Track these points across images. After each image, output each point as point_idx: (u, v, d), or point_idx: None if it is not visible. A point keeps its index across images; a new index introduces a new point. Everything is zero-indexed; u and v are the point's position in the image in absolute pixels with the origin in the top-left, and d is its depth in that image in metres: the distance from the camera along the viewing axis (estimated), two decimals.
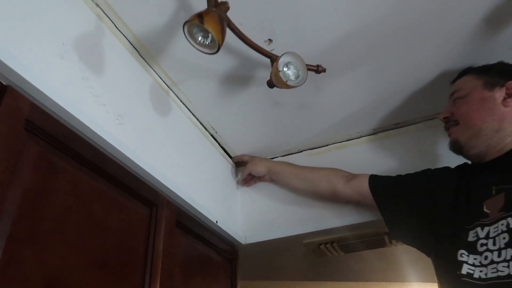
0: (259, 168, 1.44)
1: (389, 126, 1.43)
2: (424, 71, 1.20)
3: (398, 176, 1.20)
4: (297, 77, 0.98)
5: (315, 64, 1.06)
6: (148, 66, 1.11)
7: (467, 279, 0.84)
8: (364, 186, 1.21)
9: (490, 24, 1.03)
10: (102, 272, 0.79)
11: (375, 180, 1.21)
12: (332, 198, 1.33)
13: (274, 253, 1.62)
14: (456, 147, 1.04)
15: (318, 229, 1.37)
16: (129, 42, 1.04)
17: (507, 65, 1.04)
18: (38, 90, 0.71)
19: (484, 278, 0.82)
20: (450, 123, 1.07)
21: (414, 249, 1.12)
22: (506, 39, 1.08)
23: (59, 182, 0.73)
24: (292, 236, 1.41)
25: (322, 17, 1.01)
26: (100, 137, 0.84)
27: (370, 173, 1.25)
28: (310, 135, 1.46)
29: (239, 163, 1.55)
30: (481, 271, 0.83)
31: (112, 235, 0.84)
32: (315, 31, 1.04)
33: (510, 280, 0.77)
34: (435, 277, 1.01)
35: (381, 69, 1.18)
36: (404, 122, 1.41)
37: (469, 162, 1.07)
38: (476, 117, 0.99)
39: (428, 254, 1.06)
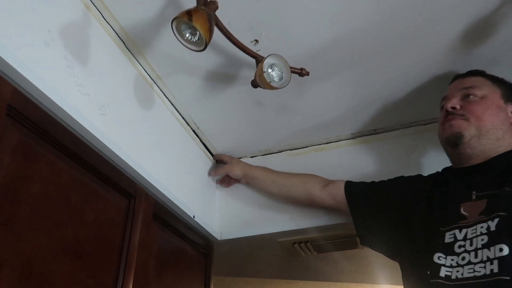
0: (235, 171, 1.46)
1: (368, 132, 1.48)
2: (403, 80, 1.24)
3: (373, 183, 1.23)
4: (280, 78, 1.01)
5: (299, 67, 1.09)
6: (133, 58, 1.11)
7: (443, 281, 0.85)
8: (340, 192, 1.23)
9: (469, 37, 1.08)
10: (77, 261, 0.79)
11: (350, 187, 1.24)
12: (309, 204, 1.35)
13: (249, 251, 1.64)
14: (456, 141, 1.01)
15: (293, 229, 1.40)
16: (116, 33, 1.04)
17: None
18: (21, 76, 0.71)
19: (461, 278, 0.83)
20: (455, 115, 1.03)
21: None
22: (485, 51, 1.13)
23: (38, 169, 0.73)
24: (267, 234, 1.43)
25: (309, 23, 1.03)
26: (82, 126, 0.84)
27: (347, 178, 1.28)
28: (290, 136, 1.49)
29: (220, 161, 1.57)
30: (457, 271, 0.84)
31: (88, 225, 0.84)
32: (301, 35, 1.07)
33: (486, 280, 0.79)
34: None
35: (362, 76, 1.21)
36: (382, 128, 1.46)
37: (451, 163, 1.10)
38: (489, 120, 1.00)
39: (397, 260, 1.09)
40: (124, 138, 1.00)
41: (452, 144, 1.03)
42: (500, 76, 1.08)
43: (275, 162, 1.53)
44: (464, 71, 1.14)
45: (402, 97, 1.31)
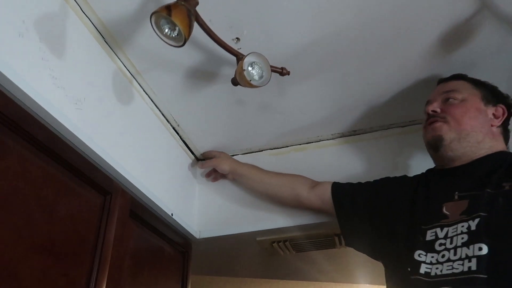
0: (223, 166, 1.45)
1: (348, 133, 1.49)
2: (383, 83, 1.26)
3: (359, 184, 1.23)
4: (260, 77, 1.00)
5: (280, 67, 1.09)
6: (112, 53, 1.09)
7: (423, 278, 0.87)
8: (326, 193, 1.23)
9: (449, 41, 1.10)
10: (48, 258, 0.77)
11: (337, 188, 1.23)
12: (296, 205, 1.34)
13: (228, 249, 1.64)
14: (437, 143, 1.04)
15: (272, 228, 1.41)
16: (94, 26, 1.02)
17: (499, 90, 1.09)
18: None
19: (439, 275, 0.85)
20: (436, 118, 1.06)
21: None
22: (464, 55, 1.14)
23: (8, 163, 0.71)
24: (246, 233, 1.43)
25: (290, 22, 1.04)
26: (56, 120, 0.82)
27: (326, 178, 1.28)
28: (271, 135, 1.50)
29: (208, 158, 1.54)
30: (437, 268, 0.86)
31: (61, 221, 0.82)
32: (283, 35, 1.07)
33: (463, 276, 0.81)
34: (384, 280, 1.05)
35: (343, 77, 1.22)
36: (362, 129, 1.47)
37: (434, 164, 1.12)
38: (468, 123, 1.02)
39: (380, 260, 1.10)
40: (101, 134, 0.98)
41: (434, 147, 1.05)
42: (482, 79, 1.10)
43: (255, 161, 1.52)
44: (445, 74, 1.16)
45: (382, 99, 1.32)
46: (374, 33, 1.07)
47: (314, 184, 1.30)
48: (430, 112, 1.08)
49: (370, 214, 1.13)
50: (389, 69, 1.20)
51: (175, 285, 1.33)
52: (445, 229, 0.90)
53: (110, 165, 0.98)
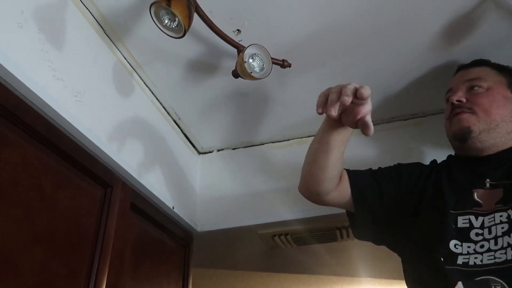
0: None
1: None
2: (385, 74, 1.24)
3: (375, 171, 1.09)
4: (261, 69, 1.00)
5: (281, 59, 1.08)
6: (113, 45, 1.09)
7: (460, 268, 0.84)
8: (345, 183, 1.05)
9: (453, 31, 1.08)
10: (48, 249, 0.77)
11: (355, 177, 1.06)
12: (326, 191, 1.03)
13: (229, 243, 1.64)
14: (465, 135, 0.98)
15: (273, 221, 1.40)
16: (94, 18, 1.01)
17: None
18: None
19: (479, 264, 0.82)
20: (463, 108, 0.99)
21: (365, 245, 1.13)
22: (463, 49, 1.13)
23: (7, 154, 0.71)
24: (247, 226, 1.43)
25: (291, 14, 1.03)
26: (56, 111, 0.82)
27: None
28: (273, 128, 1.49)
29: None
30: (476, 258, 0.84)
31: (61, 213, 0.83)
32: (284, 26, 1.06)
33: (508, 265, 0.79)
34: (385, 274, 1.00)
35: (344, 69, 1.21)
36: None
37: (439, 157, 1.08)
38: (497, 113, 0.97)
39: (398, 250, 1.05)
40: (101, 126, 0.98)
41: (461, 138, 0.99)
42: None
43: (256, 154, 1.52)
44: (448, 65, 1.14)
45: (385, 91, 1.31)
46: (377, 23, 1.06)
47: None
48: (455, 102, 1.00)
49: (393, 199, 1.03)
50: (392, 59, 1.18)
51: (176, 278, 1.33)
52: (480, 218, 0.88)
53: (110, 157, 0.98)
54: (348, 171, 1.07)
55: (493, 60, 1.09)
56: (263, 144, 1.56)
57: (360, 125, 0.80)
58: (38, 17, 0.82)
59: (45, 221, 0.78)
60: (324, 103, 0.78)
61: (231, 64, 1.15)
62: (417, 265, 0.97)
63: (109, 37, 1.07)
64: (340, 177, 1.03)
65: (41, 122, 0.80)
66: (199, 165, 1.58)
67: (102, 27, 1.04)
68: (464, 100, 1.00)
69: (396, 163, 1.12)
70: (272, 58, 1.01)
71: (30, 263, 0.73)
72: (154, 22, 0.83)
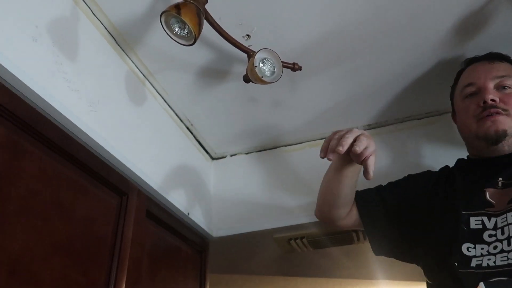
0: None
1: (362, 127, 1.47)
2: (397, 74, 1.23)
3: (383, 186, 1.11)
4: (272, 73, 1.00)
5: (291, 62, 1.08)
6: (124, 54, 1.10)
7: (474, 270, 0.83)
8: (354, 210, 1.08)
9: (462, 30, 1.07)
10: (67, 258, 0.78)
11: (361, 196, 1.09)
12: (338, 217, 1.08)
13: (245, 247, 1.63)
14: (500, 138, 0.93)
15: (288, 225, 1.40)
16: (106, 28, 1.03)
17: None
18: (7, 72, 0.70)
19: (493, 266, 0.81)
20: (498, 109, 0.94)
21: None
22: (476, 45, 1.11)
23: (26, 166, 0.72)
24: (262, 230, 1.42)
25: (300, 17, 1.03)
26: (71, 122, 0.83)
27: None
28: (285, 132, 1.48)
29: None
30: (489, 259, 0.82)
31: (79, 222, 0.84)
32: (293, 30, 1.06)
33: None
34: (402, 277, 1.00)
35: (355, 70, 1.21)
36: (376, 123, 1.45)
37: (449, 158, 1.07)
38: None
39: (417, 261, 1.04)
40: (115, 135, 0.99)
41: (493, 141, 0.94)
42: None
43: (269, 158, 1.52)
44: (461, 62, 1.12)
45: (397, 91, 1.30)
46: (387, 22, 1.05)
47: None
48: (490, 102, 0.94)
49: (400, 211, 1.04)
50: (403, 59, 1.17)
51: (194, 284, 1.34)
52: (493, 219, 0.86)
53: (125, 165, 0.99)
54: (355, 193, 1.08)
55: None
56: (276, 148, 1.56)
57: (363, 166, 0.85)
58: (51, 31, 0.84)
59: (63, 231, 0.79)
60: (326, 148, 0.85)
61: (241, 69, 1.15)
62: (435, 273, 0.96)
63: (120, 47, 1.08)
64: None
65: (58, 133, 0.81)
66: (212, 171, 1.58)
67: (113, 38, 1.06)
68: (497, 99, 0.95)
69: (407, 174, 1.13)
70: (282, 62, 1.01)
71: (50, 272, 0.74)
72: (165, 30, 0.84)
